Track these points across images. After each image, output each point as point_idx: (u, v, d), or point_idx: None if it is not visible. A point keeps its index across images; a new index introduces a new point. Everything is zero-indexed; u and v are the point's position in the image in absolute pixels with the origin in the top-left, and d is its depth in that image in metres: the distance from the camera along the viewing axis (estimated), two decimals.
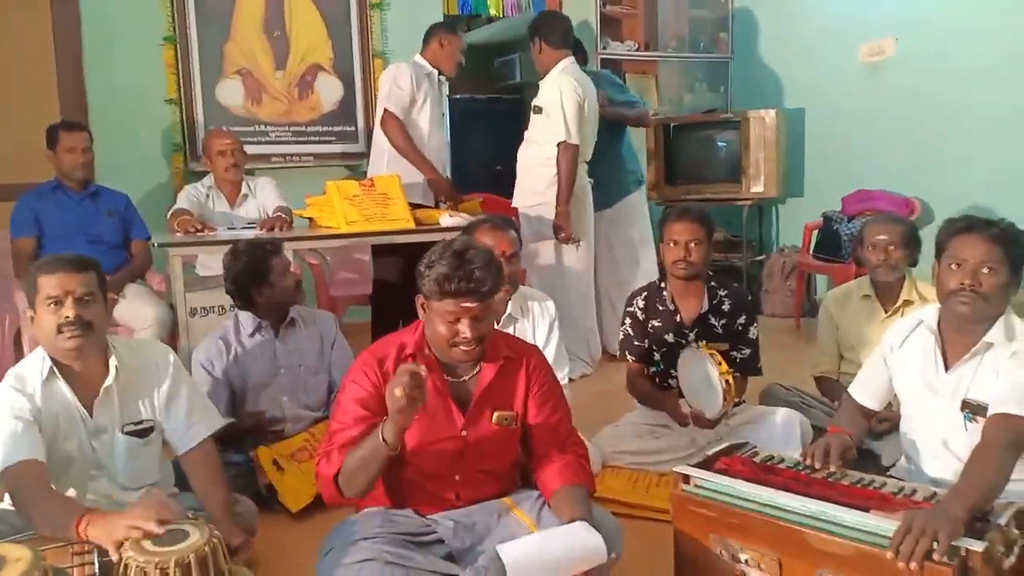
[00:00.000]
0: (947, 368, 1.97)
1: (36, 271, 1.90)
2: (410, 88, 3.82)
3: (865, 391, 2.18)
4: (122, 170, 3.99)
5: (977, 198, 4.36)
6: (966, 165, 4.42)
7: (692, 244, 2.62)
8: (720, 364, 2.42)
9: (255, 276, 2.74)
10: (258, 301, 2.77)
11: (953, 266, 1.90)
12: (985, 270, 1.86)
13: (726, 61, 5.84)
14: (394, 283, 3.88)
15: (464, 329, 1.78)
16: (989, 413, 1.83)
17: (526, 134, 4.04)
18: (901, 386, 2.09)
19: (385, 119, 3.81)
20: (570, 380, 2.82)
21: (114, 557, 1.57)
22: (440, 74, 3.99)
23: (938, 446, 1.98)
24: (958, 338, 1.95)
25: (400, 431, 1.70)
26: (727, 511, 1.83)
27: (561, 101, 3.75)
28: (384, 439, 1.70)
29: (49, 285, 1.86)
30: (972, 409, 1.90)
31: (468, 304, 1.76)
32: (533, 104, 3.98)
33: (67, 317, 1.85)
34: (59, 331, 1.86)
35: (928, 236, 4.45)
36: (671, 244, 2.65)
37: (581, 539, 1.68)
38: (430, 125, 3.91)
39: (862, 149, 4.99)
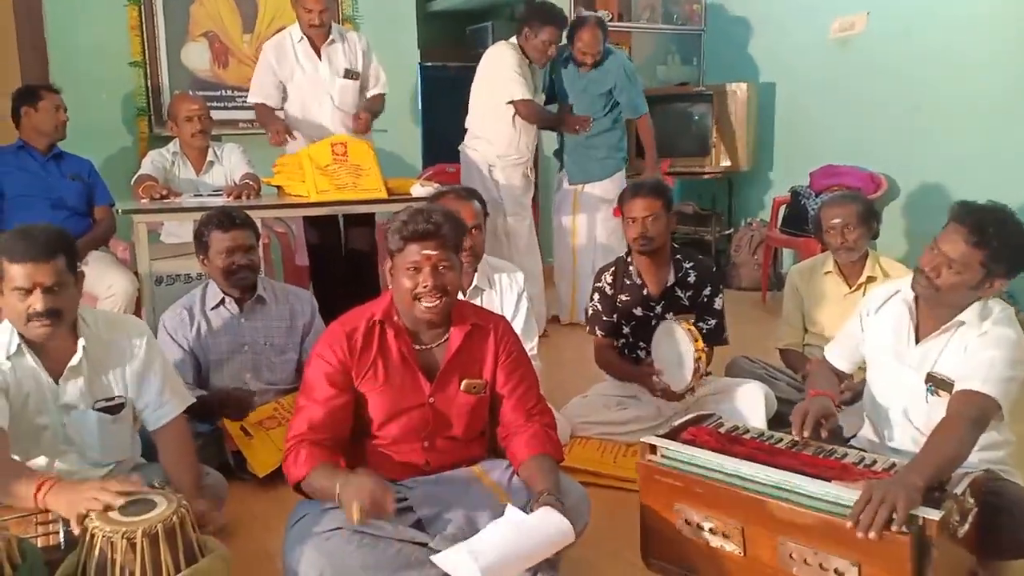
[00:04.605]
0: (917, 340, 1.99)
1: (4, 252, 1.82)
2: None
3: (839, 353, 2.22)
4: (85, 134, 3.86)
5: (943, 174, 4.44)
6: (933, 141, 4.49)
7: (649, 219, 2.64)
8: (696, 340, 2.45)
9: (198, 243, 2.70)
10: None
11: (933, 249, 1.91)
12: (952, 268, 1.86)
13: (699, 34, 5.83)
14: (331, 250, 3.87)
15: (425, 278, 1.80)
16: (955, 389, 1.86)
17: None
18: (870, 351, 2.12)
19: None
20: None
21: (75, 530, 1.56)
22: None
23: (899, 414, 2.03)
24: (931, 312, 1.97)
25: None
26: (692, 481, 1.87)
27: None
28: (339, 498, 1.67)
29: (17, 275, 1.80)
30: (936, 383, 1.93)
31: (429, 251, 1.80)
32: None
33: (36, 309, 1.81)
34: (28, 319, 1.83)
35: (894, 211, 4.58)
36: (630, 221, 2.67)
37: (550, 526, 1.69)
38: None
39: (831, 124, 5.03)
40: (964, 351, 1.89)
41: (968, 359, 1.87)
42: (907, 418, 2.01)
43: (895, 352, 2.03)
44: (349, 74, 3.76)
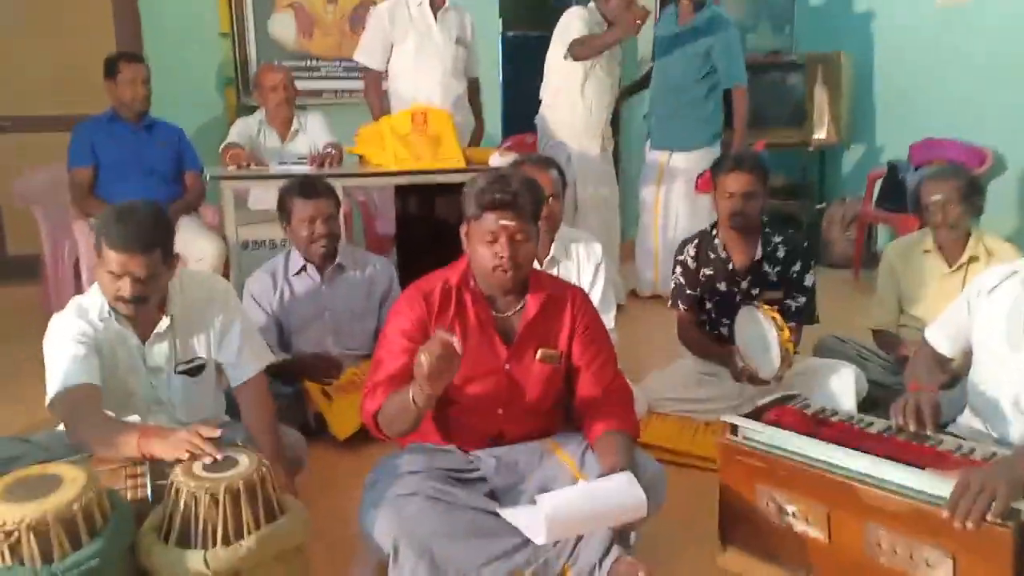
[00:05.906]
0: None
1: (103, 232, 1.86)
2: None
3: (943, 335, 2.06)
4: (175, 103, 3.99)
5: None
6: None
7: (747, 196, 2.53)
8: (782, 330, 2.33)
9: (281, 210, 2.74)
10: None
11: None
12: None
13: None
14: (417, 218, 3.84)
15: (502, 249, 1.77)
16: None
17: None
18: (980, 335, 1.96)
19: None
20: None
21: (172, 459, 1.65)
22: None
23: (1009, 405, 1.88)
24: None
25: (428, 398, 1.66)
26: (775, 462, 1.79)
27: None
28: (414, 401, 1.68)
29: (111, 260, 1.85)
30: None
31: (506, 221, 1.77)
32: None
33: (123, 294, 1.87)
34: (116, 298, 1.89)
35: (1001, 187, 4.30)
36: (726, 195, 2.56)
37: (623, 493, 1.66)
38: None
39: (934, 95, 4.74)
40: None
41: None
42: (1019, 410, 1.86)
43: (1008, 337, 1.87)
44: (460, 42, 3.74)
